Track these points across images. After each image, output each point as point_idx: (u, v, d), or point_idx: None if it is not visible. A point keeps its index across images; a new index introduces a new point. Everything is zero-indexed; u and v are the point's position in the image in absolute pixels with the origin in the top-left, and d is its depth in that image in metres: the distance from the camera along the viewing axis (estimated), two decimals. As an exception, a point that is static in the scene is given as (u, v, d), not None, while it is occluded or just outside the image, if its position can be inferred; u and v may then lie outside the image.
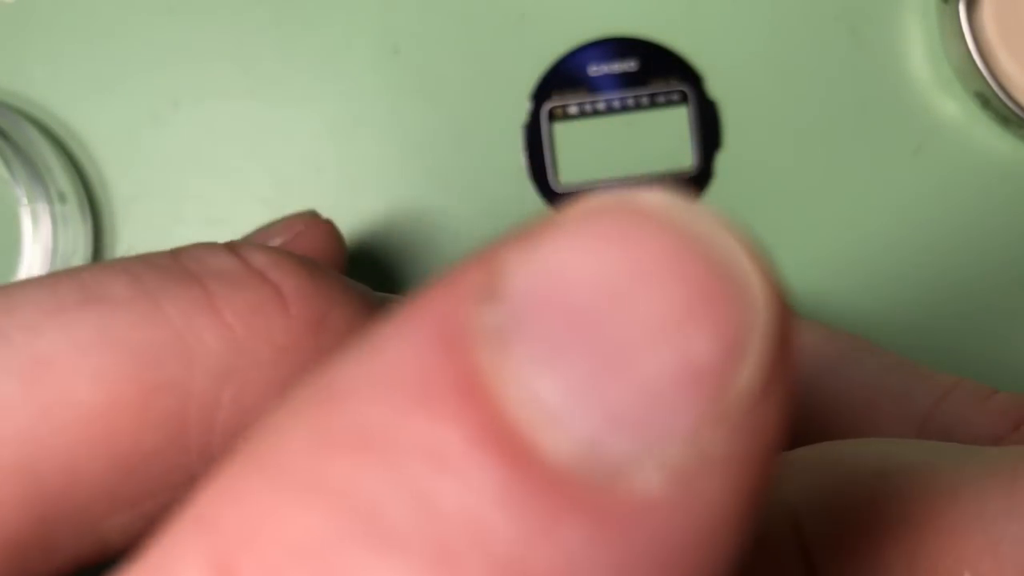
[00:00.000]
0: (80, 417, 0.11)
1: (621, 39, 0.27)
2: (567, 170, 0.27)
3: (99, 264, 0.12)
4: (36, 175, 0.25)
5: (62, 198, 0.25)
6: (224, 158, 0.27)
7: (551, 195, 0.27)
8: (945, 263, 0.27)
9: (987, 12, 0.26)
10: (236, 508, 0.07)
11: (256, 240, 0.19)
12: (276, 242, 0.19)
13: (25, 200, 0.25)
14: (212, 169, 0.27)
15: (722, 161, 0.27)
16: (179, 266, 0.12)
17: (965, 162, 0.28)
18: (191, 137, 0.27)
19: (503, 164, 0.27)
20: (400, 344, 0.07)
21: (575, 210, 0.08)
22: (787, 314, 0.08)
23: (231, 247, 0.12)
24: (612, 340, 0.07)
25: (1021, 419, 0.16)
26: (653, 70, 0.27)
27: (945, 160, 0.28)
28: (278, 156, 0.27)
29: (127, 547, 0.11)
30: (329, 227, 0.20)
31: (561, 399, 0.07)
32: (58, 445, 0.11)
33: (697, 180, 0.27)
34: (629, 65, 0.27)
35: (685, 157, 0.27)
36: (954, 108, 0.28)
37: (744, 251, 0.07)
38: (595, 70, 0.27)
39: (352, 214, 0.27)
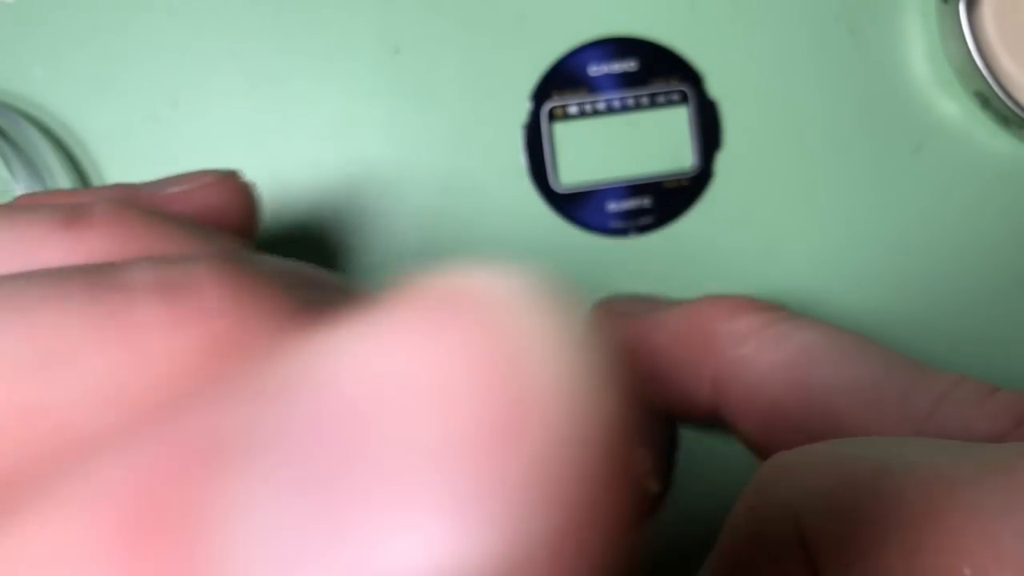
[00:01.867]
0: None
1: (621, 39, 0.27)
2: (567, 170, 0.27)
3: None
4: (36, 175, 0.25)
5: (62, 198, 0.25)
6: (224, 158, 0.27)
7: (551, 195, 0.27)
8: (944, 262, 0.27)
9: (987, 12, 0.26)
10: None
11: (160, 186, 0.18)
12: (178, 189, 0.18)
13: (25, 200, 0.25)
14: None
15: (722, 161, 0.27)
16: (106, 277, 0.10)
17: (965, 162, 0.28)
18: (191, 137, 0.27)
19: (503, 164, 0.27)
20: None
21: (397, 295, 0.07)
22: (614, 458, 0.06)
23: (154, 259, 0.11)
24: (353, 482, 0.06)
25: (1022, 417, 0.16)
26: (653, 70, 0.27)
27: (945, 160, 0.28)
28: (278, 156, 0.27)
29: None
30: (241, 187, 0.19)
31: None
32: None
33: (697, 180, 0.27)
34: (629, 65, 0.27)
35: (685, 157, 0.27)
36: (954, 108, 0.28)
37: (572, 370, 0.06)
38: (595, 70, 0.27)
39: (352, 214, 0.27)
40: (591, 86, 0.27)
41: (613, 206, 0.27)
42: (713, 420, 0.19)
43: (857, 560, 0.13)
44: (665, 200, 0.27)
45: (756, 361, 0.18)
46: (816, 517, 0.14)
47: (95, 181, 0.27)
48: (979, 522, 0.12)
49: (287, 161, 0.27)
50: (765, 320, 0.18)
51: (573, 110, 0.27)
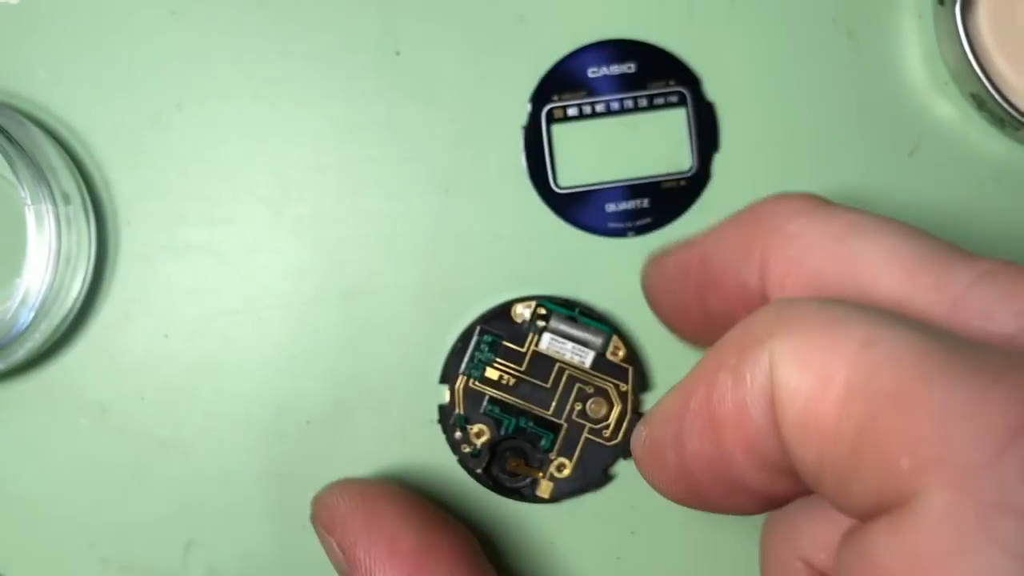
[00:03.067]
0: None
1: (619, 41, 0.27)
2: (566, 171, 0.27)
3: None
4: (40, 176, 0.25)
5: (66, 199, 0.26)
6: (227, 159, 0.27)
7: (550, 196, 0.27)
8: (941, 263, 0.28)
9: (982, 15, 0.26)
10: None
11: None
12: None
13: (29, 201, 0.25)
14: (215, 170, 0.27)
15: (720, 162, 0.28)
16: None
17: (961, 163, 0.28)
18: (194, 138, 0.27)
19: (503, 165, 0.27)
20: None
21: None
22: None
23: None
24: None
25: None
26: (651, 72, 0.27)
27: (941, 161, 0.28)
28: (280, 157, 0.27)
29: None
30: None
31: None
32: None
33: (695, 181, 0.27)
34: (627, 67, 0.27)
35: (683, 158, 0.27)
36: (950, 109, 0.28)
37: None
38: (594, 72, 0.27)
39: (353, 215, 0.27)
40: (590, 88, 0.27)
41: (612, 207, 0.27)
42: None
43: (814, 420, 0.13)
44: (663, 201, 0.27)
45: (803, 234, 0.17)
46: (789, 371, 0.14)
47: (99, 182, 0.27)
48: (937, 420, 0.12)
49: (289, 162, 0.27)
50: (815, 203, 0.18)
51: (572, 112, 0.27)
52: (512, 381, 0.26)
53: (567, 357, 0.26)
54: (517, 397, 0.26)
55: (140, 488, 0.27)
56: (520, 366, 0.26)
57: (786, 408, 0.14)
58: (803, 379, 0.13)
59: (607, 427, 0.26)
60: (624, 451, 0.26)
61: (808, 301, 0.15)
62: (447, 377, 0.26)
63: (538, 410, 0.26)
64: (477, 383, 0.26)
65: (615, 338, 0.26)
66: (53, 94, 0.27)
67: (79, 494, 0.27)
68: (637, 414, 0.26)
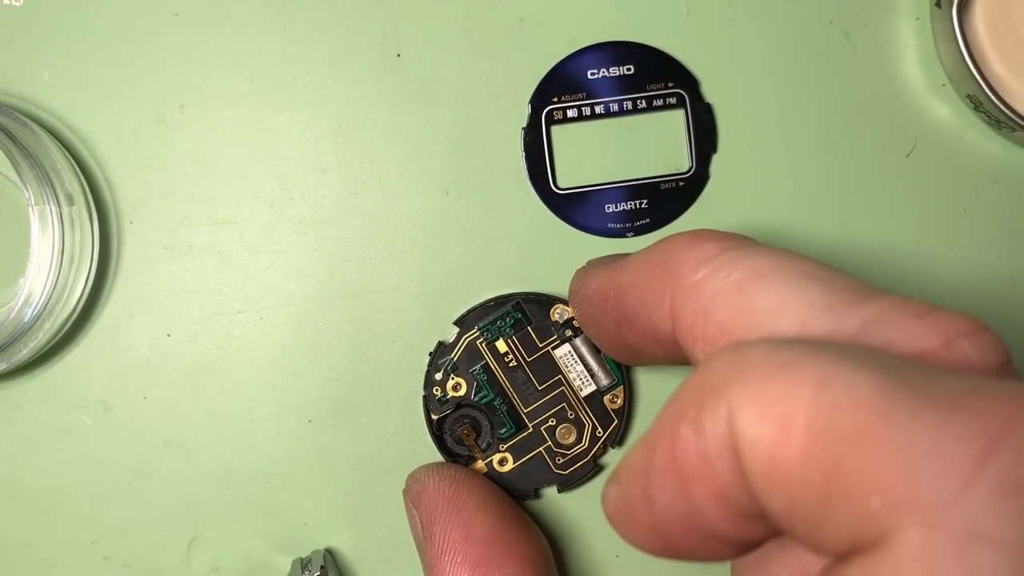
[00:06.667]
0: None
1: (619, 43, 0.28)
2: (566, 172, 0.28)
3: None
4: (44, 177, 0.25)
5: (70, 200, 0.26)
6: (229, 160, 0.27)
7: (550, 196, 0.27)
8: (937, 263, 0.28)
9: (979, 17, 0.27)
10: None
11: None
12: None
13: (33, 202, 0.25)
14: (217, 171, 0.27)
15: (718, 163, 0.28)
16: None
17: (958, 164, 0.28)
18: (197, 140, 0.27)
19: (503, 166, 0.27)
20: None
21: None
22: None
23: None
24: None
25: (953, 335, 0.15)
26: (650, 74, 0.28)
27: (938, 162, 0.28)
28: (282, 158, 0.27)
29: None
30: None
31: None
32: None
33: (693, 182, 0.28)
34: (626, 69, 0.28)
35: (682, 159, 0.28)
36: (947, 111, 0.28)
37: None
38: (593, 74, 0.28)
39: (354, 215, 0.27)
40: (589, 90, 0.27)
41: (611, 208, 0.27)
42: (680, 355, 0.19)
43: (780, 467, 0.13)
44: (662, 202, 0.28)
45: (706, 287, 0.17)
46: (749, 421, 0.13)
47: (102, 183, 0.27)
48: (903, 457, 0.12)
49: (291, 164, 0.27)
50: (721, 248, 0.18)
51: (572, 113, 0.27)
52: (513, 363, 0.26)
53: (571, 376, 0.26)
54: (508, 379, 0.26)
55: (142, 486, 0.27)
56: (528, 356, 0.26)
57: (750, 458, 0.13)
58: (763, 428, 0.13)
59: (564, 456, 0.26)
60: (562, 485, 0.27)
61: (758, 344, 0.14)
62: (463, 323, 0.27)
63: (517, 402, 0.26)
64: (484, 345, 0.26)
65: (620, 389, 0.26)
66: (57, 96, 0.27)
67: (82, 492, 0.27)
68: (596, 463, 0.27)
